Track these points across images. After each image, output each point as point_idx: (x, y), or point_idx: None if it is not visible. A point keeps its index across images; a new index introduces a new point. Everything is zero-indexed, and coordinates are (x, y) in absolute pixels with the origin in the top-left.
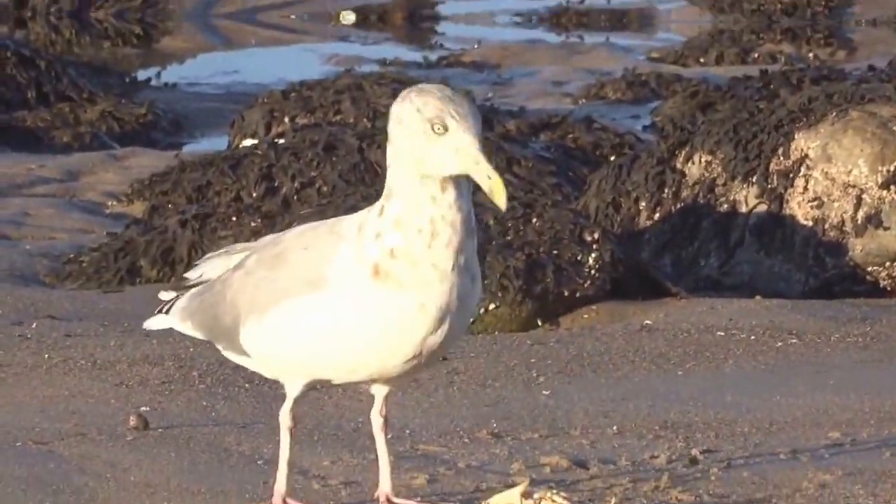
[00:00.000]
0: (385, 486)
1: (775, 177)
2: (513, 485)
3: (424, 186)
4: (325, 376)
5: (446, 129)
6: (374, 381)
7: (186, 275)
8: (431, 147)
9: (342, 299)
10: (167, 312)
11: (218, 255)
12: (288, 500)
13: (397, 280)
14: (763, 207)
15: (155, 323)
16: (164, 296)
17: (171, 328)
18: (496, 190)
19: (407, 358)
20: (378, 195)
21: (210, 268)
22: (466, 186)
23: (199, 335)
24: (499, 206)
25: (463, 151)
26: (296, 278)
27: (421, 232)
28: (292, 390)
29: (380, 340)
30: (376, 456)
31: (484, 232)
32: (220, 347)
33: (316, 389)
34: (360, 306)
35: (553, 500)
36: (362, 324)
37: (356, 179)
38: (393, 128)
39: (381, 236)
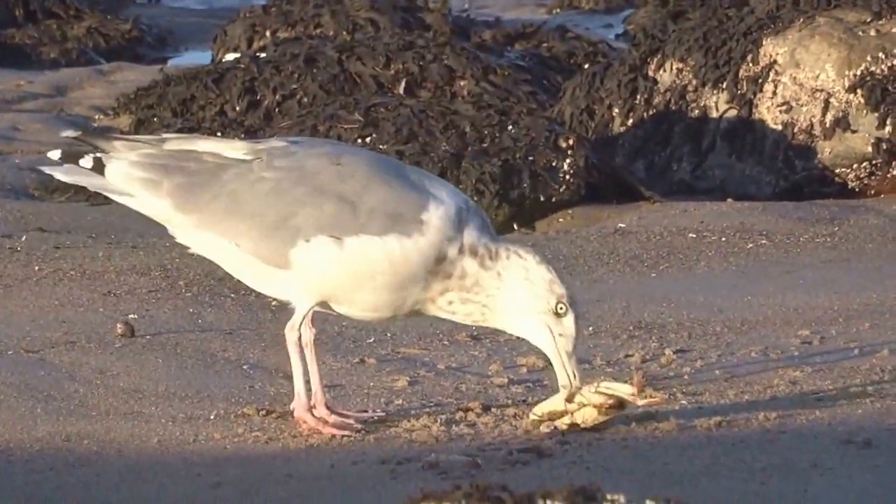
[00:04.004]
0: (320, 396)
1: (745, 82)
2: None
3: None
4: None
5: (564, 313)
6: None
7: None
8: (546, 319)
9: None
10: (94, 169)
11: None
12: (314, 410)
13: None
14: (733, 112)
15: (67, 173)
16: (55, 154)
17: (93, 188)
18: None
19: None
20: (356, 104)
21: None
22: None
23: (166, 212)
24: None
25: (565, 338)
26: (384, 215)
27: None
28: (306, 307)
29: None
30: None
31: (460, 138)
32: (205, 236)
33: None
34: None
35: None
36: None
37: (336, 89)
38: (517, 277)
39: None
